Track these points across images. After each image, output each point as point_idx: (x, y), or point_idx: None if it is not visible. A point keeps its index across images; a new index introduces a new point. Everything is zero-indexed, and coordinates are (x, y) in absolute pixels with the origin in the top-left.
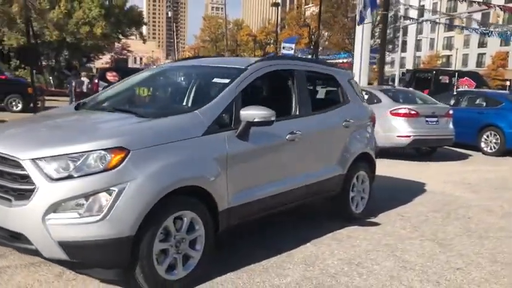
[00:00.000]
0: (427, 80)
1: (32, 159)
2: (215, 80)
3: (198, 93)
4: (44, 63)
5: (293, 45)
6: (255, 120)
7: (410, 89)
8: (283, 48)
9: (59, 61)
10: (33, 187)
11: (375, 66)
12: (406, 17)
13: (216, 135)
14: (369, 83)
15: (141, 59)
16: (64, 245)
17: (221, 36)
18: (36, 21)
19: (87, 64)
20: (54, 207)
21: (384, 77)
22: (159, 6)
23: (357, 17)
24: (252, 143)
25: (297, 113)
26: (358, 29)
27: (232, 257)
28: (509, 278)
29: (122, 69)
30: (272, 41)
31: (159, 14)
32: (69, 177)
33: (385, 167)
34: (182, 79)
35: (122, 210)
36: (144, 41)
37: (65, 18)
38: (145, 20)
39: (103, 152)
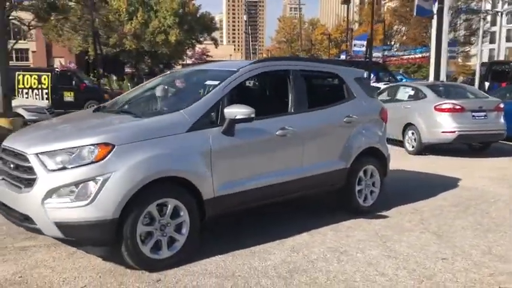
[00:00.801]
0: (505, 73)
1: (36, 153)
2: (207, 82)
3: (190, 95)
4: (128, 70)
5: (364, 42)
6: (237, 117)
7: (461, 83)
8: (355, 45)
9: (138, 68)
10: (35, 177)
11: (455, 60)
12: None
13: (200, 132)
14: (453, 78)
15: None
16: (59, 225)
17: (296, 37)
18: (114, 32)
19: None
20: (51, 193)
21: (439, 71)
22: (238, 9)
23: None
24: (238, 139)
25: (292, 110)
26: (435, 22)
27: (227, 243)
28: (491, 269)
29: None
30: (346, 39)
31: (238, 17)
32: (64, 168)
33: (425, 163)
34: (183, 82)
35: (106, 196)
36: (216, 45)
37: (142, 28)
38: (217, 25)
39: (92, 147)
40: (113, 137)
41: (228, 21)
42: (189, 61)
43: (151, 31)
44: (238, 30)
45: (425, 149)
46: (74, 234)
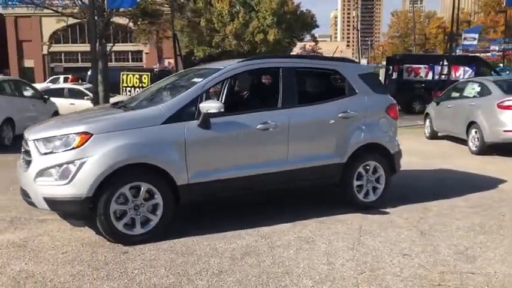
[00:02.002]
0: None
1: (33, 139)
2: (194, 79)
3: (175, 91)
4: None
5: (476, 36)
6: (209, 111)
7: None
8: (465, 39)
9: None
10: (31, 159)
11: None
12: None
13: (175, 124)
14: None
15: None
16: (46, 200)
17: (410, 31)
18: (217, 33)
19: None
20: (41, 173)
21: None
22: (354, 5)
23: None
24: (214, 131)
25: (279, 105)
26: None
27: (207, 227)
28: (447, 267)
29: None
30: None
31: (353, 13)
32: (52, 152)
33: (481, 163)
34: (178, 80)
35: (82, 177)
36: (316, 42)
37: (242, 28)
38: (317, 23)
39: (75, 135)
40: (92, 127)
41: (343, 17)
42: None
43: (251, 31)
44: (353, 26)
45: (489, 148)
46: (57, 208)
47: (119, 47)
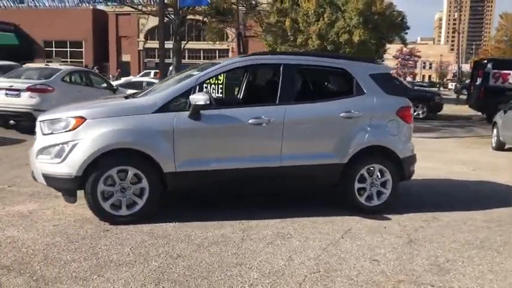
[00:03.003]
0: None
1: (40, 121)
2: (193, 72)
3: (173, 84)
4: None
5: None
6: (197, 103)
7: None
8: None
9: None
10: (36, 138)
11: None
12: None
13: (165, 114)
14: None
15: (430, 64)
16: (44, 176)
17: None
18: (301, 33)
19: None
20: (41, 151)
21: None
22: (459, 7)
23: None
24: (204, 123)
25: (276, 101)
26: None
27: (196, 216)
28: (409, 277)
29: None
30: None
31: (460, 15)
32: (51, 133)
33: None
34: (185, 75)
35: (73, 157)
36: (405, 44)
37: (327, 28)
38: (408, 24)
39: (72, 119)
40: (87, 112)
41: (448, 20)
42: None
43: (335, 31)
44: (456, 28)
45: None
46: (52, 184)
47: (201, 45)
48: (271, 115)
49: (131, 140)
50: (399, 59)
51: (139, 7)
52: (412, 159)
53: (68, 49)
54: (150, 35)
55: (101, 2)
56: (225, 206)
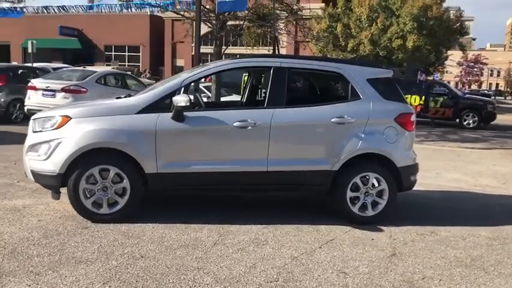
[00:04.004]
0: None
1: (33, 119)
2: (183, 74)
3: (161, 85)
4: None
5: None
6: (178, 105)
7: None
8: None
9: None
10: (27, 135)
11: None
12: None
13: (148, 115)
14: None
15: (498, 72)
16: (32, 172)
17: None
18: (352, 38)
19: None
20: (30, 148)
21: None
22: None
23: None
24: (187, 125)
25: (264, 104)
26: None
27: (178, 217)
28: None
29: None
30: None
31: None
32: (40, 131)
33: None
34: (174, 76)
35: (57, 155)
36: (464, 51)
37: (380, 33)
38: (467, 29)
39: (58, 118)
40: (72, 111)
41: None
42: (454, 69)
43: (388, 36)
44: None
45: None
46: (38, 180)
47: (240, 50)
48: (258, 118)
49: (112, 140)
50: (463, 66)
51: (183, 13)
52: (412, 168)
53: (126, 53)
54: (203, 40)
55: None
56: (212, 209)
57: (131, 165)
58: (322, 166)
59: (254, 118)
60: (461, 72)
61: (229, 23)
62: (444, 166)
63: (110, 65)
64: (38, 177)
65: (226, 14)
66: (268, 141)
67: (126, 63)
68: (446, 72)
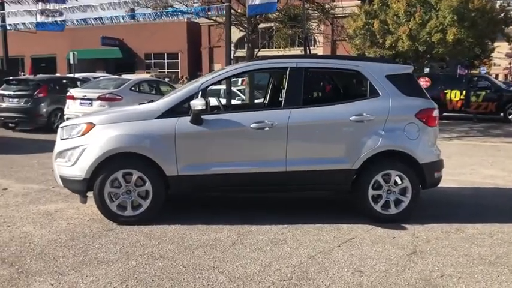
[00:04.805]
0: None
1: (61, 127)
2: (202, 77)
3: (179, 91)
4: None
5: None
6: (195, 108)
7: None
8: None
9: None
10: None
11: None
12: None
13: (167, 119)
14: None
15: None
16: (61, 178)
17: None
18: (390, 34)
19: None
20: (58, 155)
21: None
22: None
23: None
24: (205, 128)
25: (281, 105)
26: None
27: (202, 218)
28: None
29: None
30: None
31: None
32: (67, 138)
33: None
34: (194, 81)
35: (83, 161)
36: (510, 42)
37: (419, 28)
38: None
39: (84, 125)
40: (96, 119)
41: None
42: (503, 62)
43: (428, 31)
44: None
45: None
46: (66, 185)
47: (273, 51)
48: (275, 119)
49: (134, 145)
50: None
51: (215, 18)
52: (436, 165)
53: (166, 60)
54: (239, 44)
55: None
56: (234, 210)
57: (153, 169)
58: (342, 165)
59: (271, 119)
60: (510, 64)
61: (261, 25)
62: (481, 162)
63: (149, 73)
64: (66, 182)
65: (257, 16)
66: (286, 141)
67: (166, 70)
68: (494, 65)
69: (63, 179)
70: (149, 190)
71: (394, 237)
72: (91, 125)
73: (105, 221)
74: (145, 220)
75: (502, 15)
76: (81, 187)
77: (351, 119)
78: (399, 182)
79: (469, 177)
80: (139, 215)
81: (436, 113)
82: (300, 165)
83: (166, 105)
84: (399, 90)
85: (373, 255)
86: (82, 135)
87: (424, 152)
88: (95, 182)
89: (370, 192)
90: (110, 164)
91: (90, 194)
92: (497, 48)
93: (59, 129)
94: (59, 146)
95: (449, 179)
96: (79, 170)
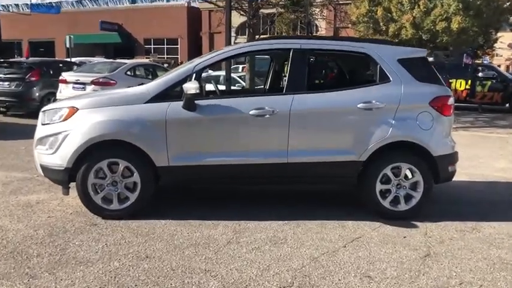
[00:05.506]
0: None
1: (42, 111)
2: (195, 60)
3: (171, 73)
4: None
5: None
6: (188, 92)
7: None
8: None
9: None
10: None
11: None
12: None
13: (158, 104)
14: None
15: None
16: (41, 167)
17: None
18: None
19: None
20: (39, 142)
21: None
22: None
23: None
24: (199, 114)
25: (284, 90)
26: None
27: (195, 213)
28: None
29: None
30: None
31: None
32: (48, 123)
33: None
34: (188, 62)
35: (64, 148)
36: None
37: (423, 16)
38: None
39: (66, 109)
40: (80, 102)
41: None
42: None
43: (432, 19)
44: None
45: None
46: (47, 175)
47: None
48: (276, 106)
49: (120, 132)
50: None
51: (215, 1)
52: (451, 158)
53: (165, 46)
54: (240, 30)
55: None
56: (230, 203)
57: (141, 158)
58: (348, 156)
59: (272, 105)
60: None
61: (262, 10)
62: (490, 154)
63: (149, 58)
64: (47, 171)
65: (258, 0)
66: (288, 130)
67: (165, 56)
68: (496, 55)
69: (43, 168)
70: (137, 182)
71: (404, 237)
72: (74, 110)
73: (88, 215)
74: (133, 214)
75: (508, 4)
76: (63, 177)
77: (358, 106)
78: (410, 175)
79: (479, 170)
80: (127, 208)
81: (451, 101)
82: (303, 156)
83: (156, 89)
84: (412, 75)
85: (383, 257)
86: (64, 120)
87: (438, 143)
88: (77, 172)
89: (378, 186)
90: (94, 152)
91: (74, 185)
92: (500, 39)
93: (40, 114)
94: (39, 131)
95: (458, 172)
96: (60, 158)
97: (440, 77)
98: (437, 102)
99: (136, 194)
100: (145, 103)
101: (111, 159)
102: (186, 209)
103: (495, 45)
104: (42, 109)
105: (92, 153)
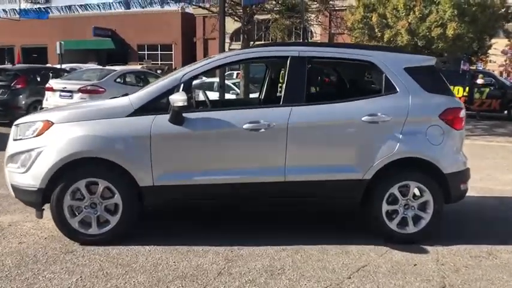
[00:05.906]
0: None
1: (14, 125)
2: (185, 69)
3: (156, 83)
4: None
5: None
6: (174, 104)
7: None
8: None
9: None
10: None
11: None
12: None
13: (141, 118)
14: None
15: None
16: (12, 187)
17: None
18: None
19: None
20: (9, 159)
21: None
22: None
23: None
24: (187, 128)
25: (281, 102)
26: None
27: (182, 239)
28: None
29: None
30: None
31: None
32: (20, 139)
33: None
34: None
35: (37, 167)
36: (510, 38)
37: (418, 22)
38: None
39: (40, 123)
40: (55, 115)
41: None
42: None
43: (427, 25)
44: None
45: None
46: (19, 197)
47: None
48: (272, 119)
49: (99, 148)
50: (508, 55)
51: (208, 7)
52: (463, 175)
53: (159, 52)
54: (235, 37)
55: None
56: (222, 227)
57: (123, 178)
58: (352, 174)
59: (268, 118)
60: (505, 61)
61: (257, 16)
62: (495, 166)
63: (142, 64)
64: (18, 192)
65: (253, 6)
66: (286, 145)
67: (159, 62)
68: (490, 61)
69: (14, 188)
70: (118, 203)
71: (415, 265)
72: (48, 123)
73: (64, 240)
74: (114, 239)
75: (503, 10)
76: (36, 199)
77: (363, 119)
78: (419, 195)
79: (487, 184)
80: (107, 233)
81: (463, 113)
82: (302, 174)
83: (140, 101)
84: (420, 85)
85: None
86: (38, 135)
87: (449, 159)
88: (52, 193)
89: (385, 207)
90: (70, 171)
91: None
92: (494, 45)
93: (13, 127)
94: (11, 148)
95: None
96: (33, 178)
97: (449, 86)
98: (448, 115)
99: (118, 217)
100: (127, 116)
101: (89, 179)
102: (173, 233)
103: (489, 51)
104: (15, 122)
105: (68, 172)
